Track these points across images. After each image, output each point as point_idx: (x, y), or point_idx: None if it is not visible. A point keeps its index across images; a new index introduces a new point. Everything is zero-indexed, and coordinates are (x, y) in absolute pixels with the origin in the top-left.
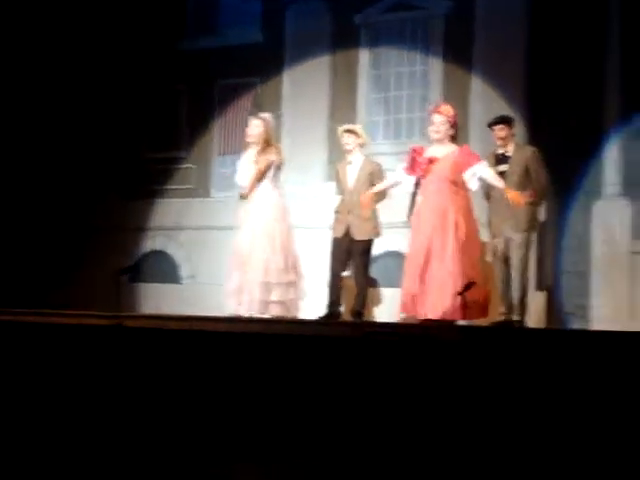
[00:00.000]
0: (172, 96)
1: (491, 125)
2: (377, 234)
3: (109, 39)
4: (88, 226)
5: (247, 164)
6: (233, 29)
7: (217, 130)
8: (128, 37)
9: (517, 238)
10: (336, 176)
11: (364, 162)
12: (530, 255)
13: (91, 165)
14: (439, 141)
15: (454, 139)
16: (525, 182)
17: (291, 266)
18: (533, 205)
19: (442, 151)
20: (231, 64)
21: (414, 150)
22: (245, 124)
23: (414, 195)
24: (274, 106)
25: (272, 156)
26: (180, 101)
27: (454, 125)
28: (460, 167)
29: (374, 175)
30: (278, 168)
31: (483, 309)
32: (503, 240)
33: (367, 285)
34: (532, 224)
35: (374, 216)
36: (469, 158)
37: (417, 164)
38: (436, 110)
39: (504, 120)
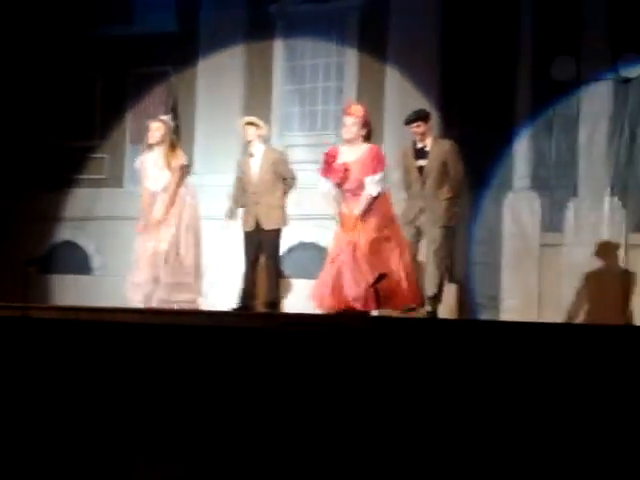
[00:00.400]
0: (85, 84)
1: (408, 123)
2: (285, 223)
3: (20, 26)
4: None
5: (158, 169)
6: (147, 17)
7: (130, 119)
8: (40, 24)
9: (434, 233)
10: (240, 170)
11: (266, 152)
12: (446, 249)
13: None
14: (351, 141)
15: (368, 138)
16: (443, 177)
17: (195, 266)
18: (451, 200)
19: (354, 154)
20: (145, 53)
21: (327, 154)
22: (159, 113)
23: (335, 199)
24: (188, 96)
25: (183, 160)
26: (93, 89)
27: (365, 124)
28: (368, 169)
29: (277, 163)
30: (187, 170)
31: (399, 300)
32: (414, 230)
33: (279, 275)
34: (450, 219)
35: (282, 205)
36: (373, 163)
37: (333, 170)
38: (347, 111)
39: (420, 117)
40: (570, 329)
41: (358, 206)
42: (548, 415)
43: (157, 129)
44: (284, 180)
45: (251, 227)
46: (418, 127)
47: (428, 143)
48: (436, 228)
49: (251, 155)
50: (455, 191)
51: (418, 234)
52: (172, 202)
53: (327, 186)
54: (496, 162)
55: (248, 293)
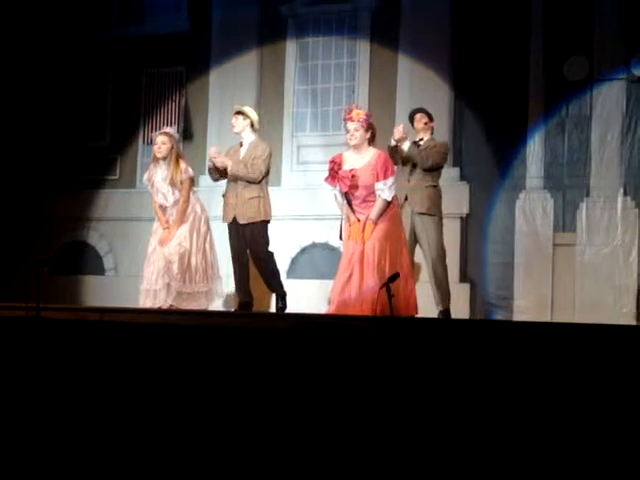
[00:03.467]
0: (97, 85)
1: (412, 115)
2: (263, 215)
3: (33, 27)
4: (9, 216)
5: (166, 184)
6: (159, 18)
7: (143, 120)
8: (53, 26)
9: (421, 221)
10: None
11: (253, 142)
12: (440, 241)
13: (12, 155)
14: (356, 147)
15: (372, 140)
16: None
17: (209, 274)
18: (435, 188)
19: (361, 160)
20: (157, 53)
21: (333, 161)
22: (172, 113)
23: (343, 206)
24: (201, 96)
25: (189, 172)
26: (106, 90)
27: (369, 128)
28: (377, 175)
29: (257, 151)
30: (194, 182)
31: (410, 306)
32: (407, 223)
33: (275, 269)
34: (432, 206)
35: (259, 196)
36: (383, 169)
37: (339, 177)
38: (348, 117)
39: (424, 110)
40: (583, 329)
41: (373, 212)
42: (561, 415)
43: (164, 143)
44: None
45: (229, 219)
46: (422, 118)
47: (425, 137)
48: (419, 216)
49: (241, 145)
50: (432, 179)
51: (410, 225)
52: (183, 215)
53: (334, 193)
54: (509, 162)
55: (243, 289)
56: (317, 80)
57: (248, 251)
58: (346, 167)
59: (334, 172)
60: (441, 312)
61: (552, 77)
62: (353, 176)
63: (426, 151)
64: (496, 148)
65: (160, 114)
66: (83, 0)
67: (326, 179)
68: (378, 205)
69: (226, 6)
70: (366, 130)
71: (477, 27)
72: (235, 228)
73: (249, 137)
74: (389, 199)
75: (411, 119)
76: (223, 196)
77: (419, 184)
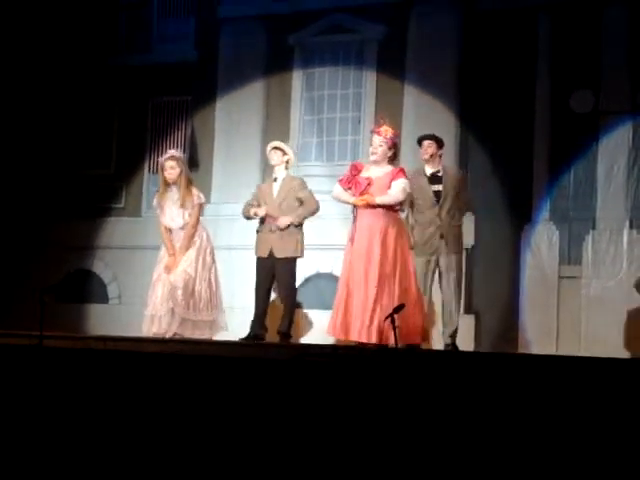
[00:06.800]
0: (104, 113)
1: (421, 140)
2: (299, 253)
3: (40, 55)
4: (14, 243)
5: (175, 208)
6: (167, 47)
7: (149, 148)
8: (59, 54)
9: (451, 260)
10: (259, 195)
11: (287, 178)
12: (459, 277)
13: (16, 182)
14: (377, 162)
15: (393, 160)
16: (457, 202)
17: (214, 303)
18: (461, 227)
19: (379, 172)
20: (164, 82)
21: (353, 166)
22: (178, 141)
23: (354, 220)
24: (207, 125)
25: (202, 197)
26: (112, 118)
27: (392, 146)
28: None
29: (294, 189)
30: (203, 208)
31: (417, 334)
32: (433, 260)
33: (294, 306)
34: (462, 245)
35: (297, 233)
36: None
37: (355, 182)
38: (376, 131)
39: (435, 137)
40: (588, 362)
41: (381, 197)
42: (565, 449)
43: (172, 167)
44: (302, 204)
45: (265, 254)
46: (429, 146)
47: (440, 169)
48: (452, 255)
49: (275, 180)
50: (461, 218)
51: (435, 262)
52: (190, 240)
53: (344, 198)
54: (514, 193)
55: (259, 322)
56: (323, 110)
57: (276, 284)
58: (364, 175)
59: (352, 176)
60: (447, 345)
61: (558, 110)
62: (369, 184)
63: (465, 204)
64: (502, 180)
65: (166, 143)
66: (91, 28)
67: (341, 181)
68: (387, 197)
69: (233, 36)
70: (389, 148)
71: (484, 58)
72: (268, 262)
73: (282, 173)
74: (399, 199)
75: (419, 144)
76: (257, 232)
77: (451, 222)
